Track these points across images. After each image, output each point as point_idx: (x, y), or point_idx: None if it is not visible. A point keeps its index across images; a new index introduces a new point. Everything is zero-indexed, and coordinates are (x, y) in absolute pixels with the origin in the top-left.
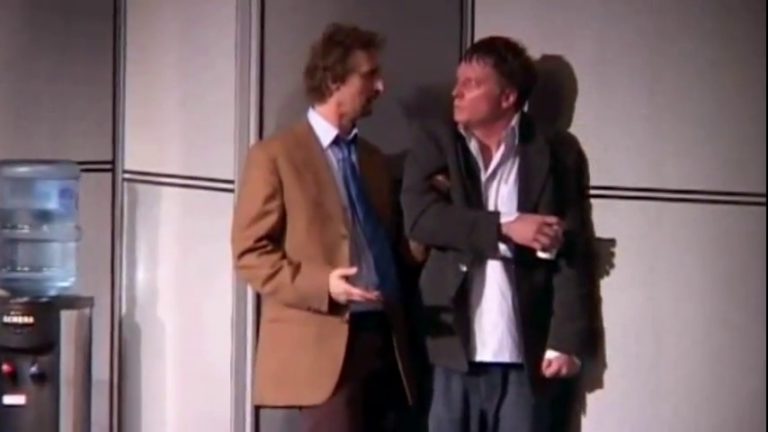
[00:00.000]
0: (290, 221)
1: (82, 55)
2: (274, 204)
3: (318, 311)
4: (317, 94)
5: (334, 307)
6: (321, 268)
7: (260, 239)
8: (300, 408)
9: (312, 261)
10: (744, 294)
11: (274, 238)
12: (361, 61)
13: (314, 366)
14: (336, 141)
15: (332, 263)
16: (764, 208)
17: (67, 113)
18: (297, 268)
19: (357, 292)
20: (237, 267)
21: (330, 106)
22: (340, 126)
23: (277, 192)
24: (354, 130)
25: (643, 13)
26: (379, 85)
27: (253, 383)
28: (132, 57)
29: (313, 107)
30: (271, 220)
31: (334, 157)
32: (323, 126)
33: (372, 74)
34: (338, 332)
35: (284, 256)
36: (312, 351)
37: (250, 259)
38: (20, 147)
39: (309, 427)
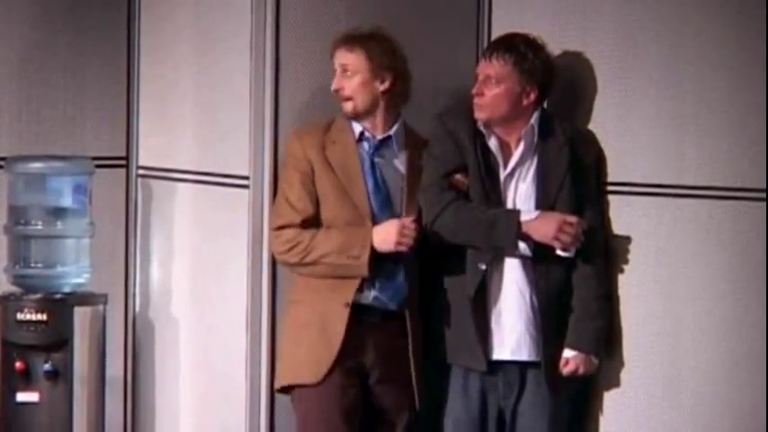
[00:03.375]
0: (321, 210)
1: (96, 50)
2: (308, 190)
3: (352, 271)
4: None
5: (372, 260)
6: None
7: (304, 220)
8: (291, 391)
9: None
10: (762, 292)
11: (315, 222)
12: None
13: (312, 349)
14: (362, 137)
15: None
16: None
17: (81, 109)
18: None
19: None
20: (275, 240)
21: None
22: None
23: (309, 178)
24: (389, 132)
25: (663, 8)
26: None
27: (268, 378)
28: (146, 51)
29: None
30: (310, 201)
31: (363, 152)
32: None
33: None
34: (339, 317)
35: None
36: (314, 333)
37: (290, 233)
38: (33, 143)
39: (300, 413)
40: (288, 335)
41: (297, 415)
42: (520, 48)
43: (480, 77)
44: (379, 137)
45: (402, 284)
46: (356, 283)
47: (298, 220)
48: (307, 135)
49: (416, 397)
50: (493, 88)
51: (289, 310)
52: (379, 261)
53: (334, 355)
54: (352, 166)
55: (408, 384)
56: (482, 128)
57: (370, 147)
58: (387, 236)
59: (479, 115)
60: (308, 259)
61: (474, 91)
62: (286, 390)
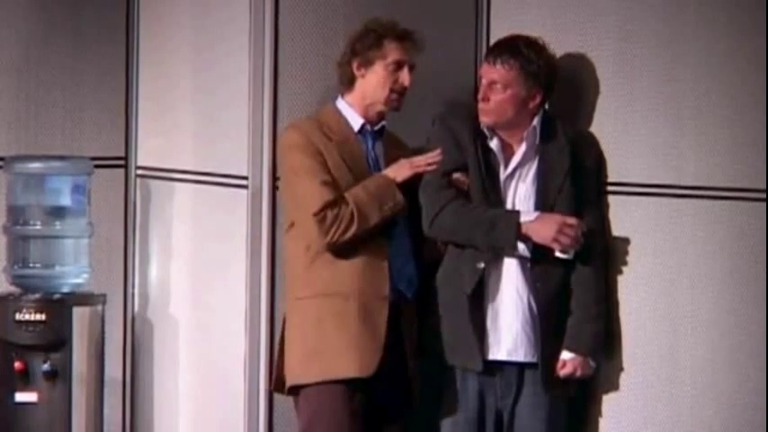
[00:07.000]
0: None
1: (95, 50)
2: (329, 172)
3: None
4: (345, 80)
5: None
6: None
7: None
8: (296, 390)
9: (347, 248)
10: (762, 292)
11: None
12: (390, 51)
13: (355, 341)
14: (362, 131)
15: (368, 251)
16: None
17: (80, 109)
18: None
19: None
20: (319, 224)
21: (356, 95)
22: (366, 117)
23: (325, 165)
24: (382, 123)
25: (662, 9)
26: (404, 80)
27: (267, 379)
28: (145, 51)
29: (342, 96)
30: (335, 184)
31: (364, 144)
32: (350, 113)
33: (398, 66)
34: (379, 309)
35: None
36: (355, 326)
37: (331, 213)
38: (32, 143)
39: (307, 413)
40: (316, 330)
41: (301, 414)
42: (523, 51)
43: (485, 82)
44: (375, 129)
45: (414, 272)
46: (386, 272)
47: (332, 197)
48: (306, 126)
49: (414, 396)
50: (498, 94)
51: (305, 306)
52: (395, 248)
53: (380, 348)
54: (358, 157)
55: (407, 382)
56: (485, 129)
57: (368, 138)
58: (399, 167)
59: (485, 120)
60: (358, 229)
61: (479, 96)
62: (290, 390)
